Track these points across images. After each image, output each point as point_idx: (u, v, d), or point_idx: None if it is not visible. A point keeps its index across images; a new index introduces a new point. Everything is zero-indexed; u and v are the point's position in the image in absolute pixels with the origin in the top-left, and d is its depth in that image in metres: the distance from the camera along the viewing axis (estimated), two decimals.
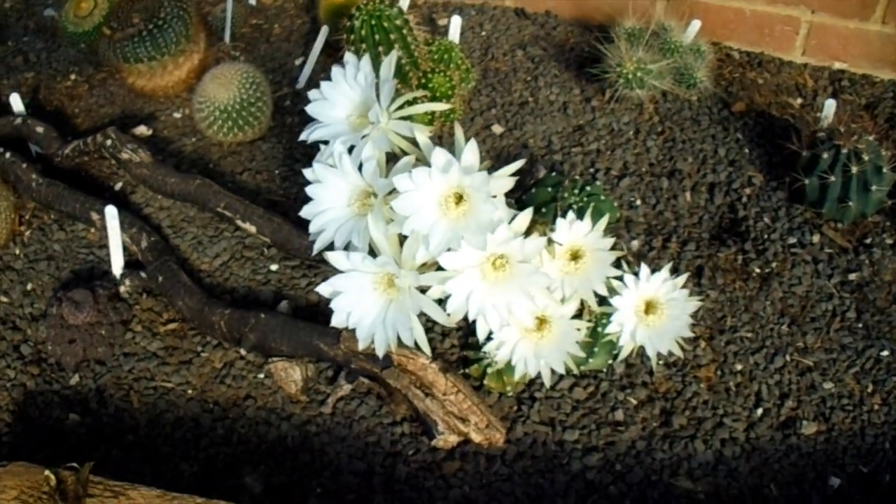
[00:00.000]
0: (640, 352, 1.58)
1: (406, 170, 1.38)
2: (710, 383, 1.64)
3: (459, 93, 2.03)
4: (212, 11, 2.43)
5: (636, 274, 1.49)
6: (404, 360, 1.53)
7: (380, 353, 1.43)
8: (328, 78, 1.57)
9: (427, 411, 1.54)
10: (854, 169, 1.81)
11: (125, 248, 1.81)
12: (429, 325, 1.61)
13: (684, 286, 1.52)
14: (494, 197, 1.37)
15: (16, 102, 2.11)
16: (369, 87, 1.53)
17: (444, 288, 1.39)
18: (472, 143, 1.38)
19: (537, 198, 1.65)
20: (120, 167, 1.99)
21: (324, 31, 2.22)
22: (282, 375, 1.63)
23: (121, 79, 2.24)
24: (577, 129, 2.09)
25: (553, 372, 1.50)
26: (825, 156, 1.83)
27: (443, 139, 2.03)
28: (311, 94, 1.59)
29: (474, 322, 1.42)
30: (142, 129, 2.13)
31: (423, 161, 1.42)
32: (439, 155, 1.36)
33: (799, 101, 2.20)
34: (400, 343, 1.42)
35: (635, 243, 1.84)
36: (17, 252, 1.89)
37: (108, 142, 1.93)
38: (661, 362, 1.65)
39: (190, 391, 1.65)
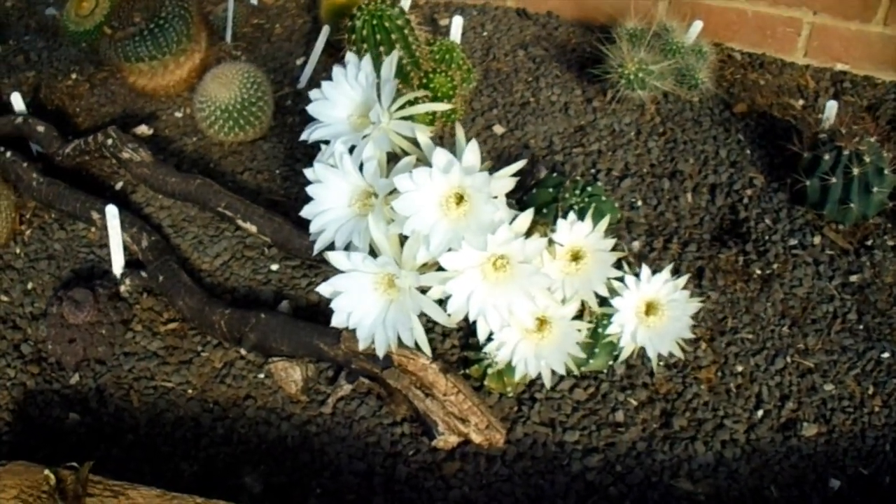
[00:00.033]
0: (641, 353, 1.58)
1: (407, 170, 1.38)
2: (710, 385, 1.64)
3: (461, 93, 2.03)
4: (213, 11, 2.43)
5: (637, 275, 1.49)
6: (405, 360, 1.53)
7: (380, 353, 1.43)
8: (329, 78, 1.57)
9: (427, 412, 1.53)
10: (855, 170, 1.81)
11: (126, 248, 1.81)
12: (429, 325, 1.61)
13: (685, 287, 1.51)
14: (495, 197, 1.37)
15: (17, 101, 2.11)
16: (370, 86, 1.53)
17: (445, 288, 1.39)
18: (474, 144, 1.38)
19: (538, 198, 1.65)
20: (121, 166, 1.99)
21: (325, 30, 2.22)
22: (282, 375, 1.63)
23: (122, 78, 2.24)
24: (579, 129, 2.09)
25: (553, 373, 1.50)
26: (826, 157, 1.83)
27: (444, 139, 2.03)
28: (312, 93, 1.58)
29: (475, 323, 1.42)
30: (143, 129, 2.13)
31: (424, 161, 1.42)
32: (440, 155, 1.36)
33: (800, 102, 2.20)
34: (400, 343, 1.42)
35: (636, 244, 1.84)
36: (18, 251, 1.89)
37: (109, 141, 1.93)
38: (661, 363, 1.65)
39: (190, 391, 1.65)
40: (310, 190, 1.50)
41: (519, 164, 1.41)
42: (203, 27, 2.26)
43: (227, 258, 1.83)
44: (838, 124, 1.91)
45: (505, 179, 1.39)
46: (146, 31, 2.08)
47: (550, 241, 1.45)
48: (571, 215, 1.47)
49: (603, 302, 1.50)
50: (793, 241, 1.85)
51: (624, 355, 1.56)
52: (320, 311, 1.71)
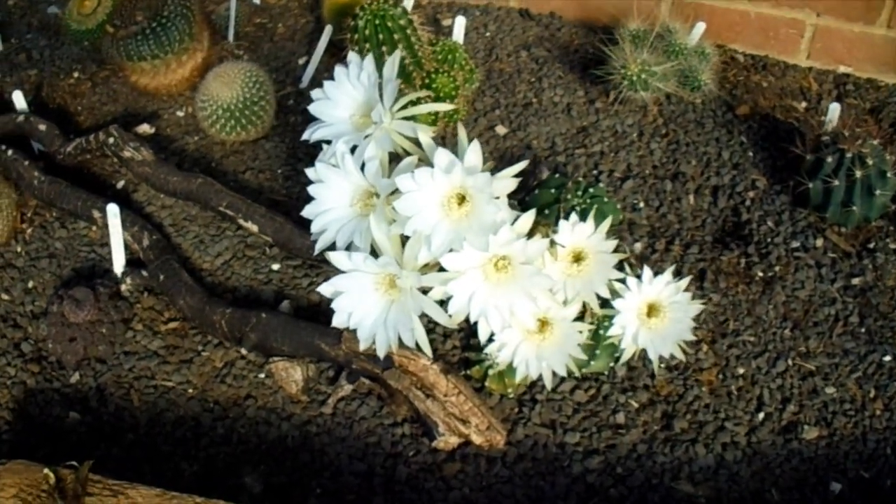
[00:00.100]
0: (642, 355, 1.58)
1: (409, 170, 1.38)
2: (711, 387, 1.64)
3: (463, 93, 2.03)
4: (215, 10, 2.43)
5: (639, 277, 1.49)
6: (405, 360, 1.53)
7: (381, 353, 1.43)
8: (331, 77, 1.57)
9: (428, 412, 1.53)
10: (858, 173, 1.81)
11: (127, 247, 1.81)
12: (430, 326, 1.61)
13: (687, 289, 1.51)
14: (497, 198, 1.37)
15: (18, 100, 2.10)
16: (372, 86, 1.52)
17: (446, 289, 1.38)
18: (476, 144, 1.38)
19: (540, 199, 1.64)
20: (122, 165, 1.99)
21: (327, 30, 2.22)
22: (282, 375, 1.62)
23: (124, 77, 2.24)
24: (581, 130, 2.09)
25: (554, 374, 1.50)
26: (829, 160, 1.83)
27: (446, 140, 2.03)
28: (314, 93, 1.58)
29: (476, 323, 1.42)
30: (144, 128, 2.13)
31: (425, 161, 1.42)
32: (442, 155, 1.36)
33: (803, 104, 2.19)
34: (401, 344, 1.42)
35: (638, 246, 1.83)
36: (19, 250, 1.89)
37: (111, 140, 1.93)
38: (662, 365, 1.65)
39: (190, 390, 1.65)
40: (311, 190, 1.50)
41: (521, 165, 1.41)
42: (205, 26, 2.25)
43: (228, 257, 1.83)
44: (841, 127, 1.90)
45: (507, 180, 1.39)
46: (148, 30, 2.08)
47: (552, 243, 1.44)
48: (573, 216, 1.47)
49: (604, 303, 1.49)
50: (795, 244, 1.84)
51: (625, 357, 1.56)
52: (321, 311, 1.71)
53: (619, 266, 1.48)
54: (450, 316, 1.39)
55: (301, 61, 2.31)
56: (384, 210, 1.41)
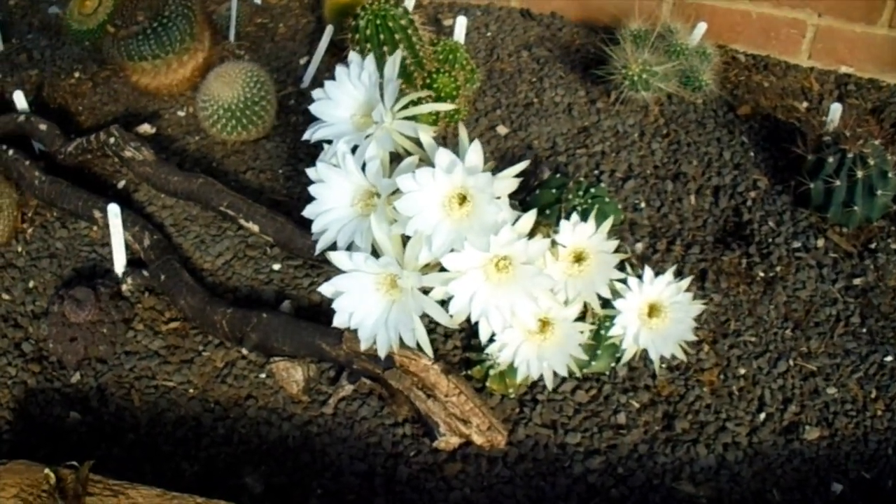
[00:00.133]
0: (643, 355, 1.57)
1: (410, 170, 1.38)
2: (712, 387, 1.64)
3: (464, 93, 2.03)
4: (217, 10, 2.43)
5: (640, 277, 1.49)
6: (406, 361, 1.53)
7: (382, 353, 1.43)
8: (332, 77, 1.57)
9: (429, 413, 1.53)
10: (859, 173, 1.81)
11: (127, 247, 1.81)
12: (431, 326, 1.61)
13: (688, 289, 1.51)
14: (498, 198, 1.37)
15: (19, 100, 2.10)
16: (373, 86, 1.52)
17: (447, 289, 1.38)
18: (477, 144, 1.38)
19: (541, 199, 1.64)
20: (123, 165, 1.99)
21: (329, 30, 2.22)
22: (283, 375, 1.62)
23: (125, 77, 2.24)
24: (582, 130, 2.09)
25: (555, 374, 1.49)
26: (831, 160, 1.83)
27: (447, 140, 2.03)
28: (315, 93, 1.58)
29: (477, 324, 1.42)
30: (145, 128, 2.13)
31: (426, 161, 1.42)
32: (443, 155, 1.35)
33: (805, 104, 2.19)
34: (402, 344, 1.41)
35: (639, 246, 1.83)
36: (20, 249, 1.89)
37: (112, 140, 1.93)
38: (663, 366, 1.65)
39: (191, 390, 1.65)
40: (312, 189, 1.50)
41: (522, 165, 1.40)
42: (206, 26, 2.25)
43: (229, 257, 1.83)
44: (842, 127, 1.90)
45: (508, 180, 1.39)
46: (149, 30, 2.08)
47: (553, 243, 1.44)
48: (574, 216, 1.46)
49: (605, 304, 1.49)
50: (796, 244, 1.84)
51: (626, 357, 1.56)
52: (322, 312, 1.71)
53: (621, 266, 1.48)
54: (451, 316, 1.39)
55: (302, 61, 2.31)
56: (385, 210, 1.41)
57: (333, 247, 1.48)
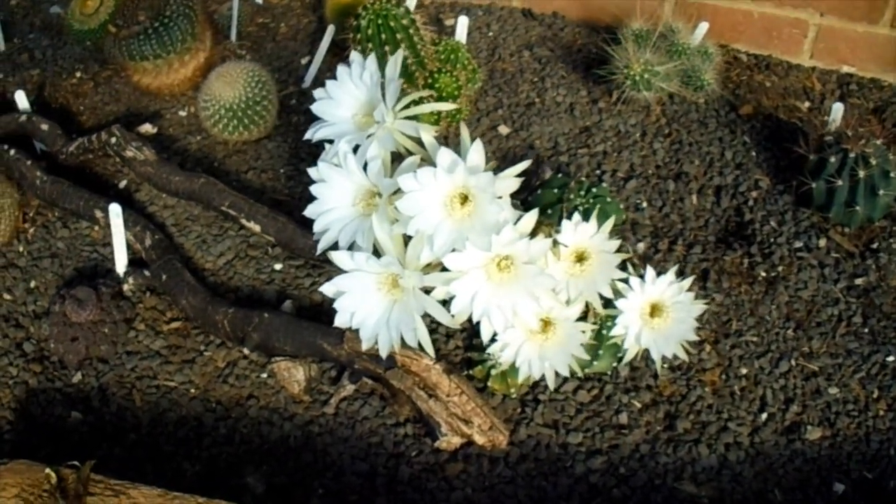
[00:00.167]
0: (645, 355, 1.57)
1: (411, 170, 1.38)
2: (714, 387, 1.64)
3: (466, 93, 2.03)
4: (218, 10, 2.43)
5: (641, 276, 1.49)
6: (408, 360, 1.53)
7: (383, 353, 1.42)
8: (334, 77, 1.57)
9: (430, 412, 1.53)
10: (861, 173, 1.81)
11: (129, 247, 1.81)
12: (433, 325, 1.60)
13: (690, 289, 1.51)
14: (500, 198, 1.36)
15: (21, 100, 2.11)
16: (375, 86, 1.52)
17: (449, 289, 1.38)
18: (478, 144, 1.38)
19: (543, 199, 1.64)
20: (124, 165, 1.99)
21: (330, 30, 2.22)
22: (285, 375, 1.62)
23: (126, 77, 2.24)
24: (584, 130, 2.08)
25: (557, 374, 1.49)
26: (832, 160, 1.83)
27: (449, 139, 2.02)
28: (317, 93, 1.58)
29: (478, 323, 1.42)
30: (147, 127, 2.13)
31: (428, 161, 1.42)
32: (445, 155, 1.35)
33: (807, 104, 2.19)
34: (404, 344, 1.41)
35: (641, 246, 1.83)
36: (21, 249, 1.89)
37: (113, 139, 1.93)
38: (665, 366, 1.65)
39: (193, 390, 1.64)
40: (313, 189, 1.50)
41: (524, 165, 1.40)
42: (208, 26, 2.25)
43: (230, 257, 1.83)
44: (844, 127, 1.90)
45: (510, 180, 1.39)
46: (151, 30, 2.08)
47: (555, 242, 1.44)
48: (576, 216, 1.46)
49: (607, 303, 1.49)
50: (798, 244, 1.84)
51: (628, 357, 1.56)
52: (324, 311, 1.71)
53: (622, 266, 1.47)
54: (452, 316, 1.39)
55: (304, 61, 2.31)
56: (386, 210, 1.41)
57: (335, 246, 1.47)
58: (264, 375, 1.65)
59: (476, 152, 1.37)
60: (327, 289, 1.44)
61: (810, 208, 1.89)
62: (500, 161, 2.00)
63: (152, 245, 1.80)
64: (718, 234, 1.88)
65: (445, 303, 1.39)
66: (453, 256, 1.36)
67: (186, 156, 2.06)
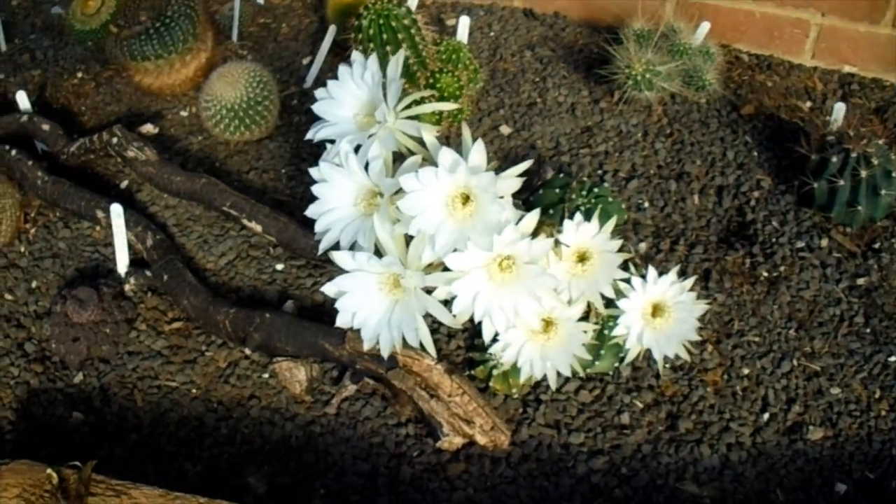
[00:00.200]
0: (647, 355, 1.57)
1: (412, 169, 1.37)
2: (716, 387, 1.64)
3: (467, 93, 2.03)
4: (219, 10, 2.43)
5: (643, 276, 1.49)
6: (409, 360, 1.53)
7: (385, 353, 1.42)
8: (335, 77, 1.57)
9: (432, 413, 1.53)
10: (863, 173, 1.81)
11: (130, 247, 1.81)
12: (434, 326, 1.60)
13: (691, 289, 1.51)
14: (501, 198, 1.36)
15: (22, 100, 2.11)
16: (376, 86, 1.52)
17: (450, 289, 1.38)
18: (480, 144, 1.37)
19: (545, 199, 1.64)
20: (126, 165, 1.99)
21: (331, 30, 2.22)
22: (286, 375, 1.62)
23: (127, 77, 2.24)
24: (586, 130, 2.08)
25: (559, 374, 1.49)
26: (834, 160, 1.83)
27: (450, 139, 2.02)
28: (318, 93, 1.58)
29: (480, 323, 1.42)
30: (148, 128, 2.13)
31: (429, 161, 1.42)
32: (446, 155, 1.35)
33: (808, 104, 2.19)
34: (405, 344, 1.41)
35: (643, 246, 1.83)
36: (22, 249, 1.89)
37: (115, 140, 1.93)
38: (667, 366, 1.65)
39: (194, 390, 1.64)
40: (315, 189, 1.50)
41: (525, 165, 1.40)
42: (209, 26, 2.25)
43: (232, 257, 1.83)
44: (846, 126, 1.90)
45: (511, 179, 1.39)
46: (152, 30, 2.08)
47: (557, 242, 1.44)
48: (578, 216, 1.46)
49: (609, 303, 1.49)
50: (800, 244, 1.84)
51: (630, 357, 1.56)
52: (325, 311, 1.71)
53: (624, 266, 1.47)
54: (454, 316, 1.39)
55: (305, 61, 2.31)
56: (388, 209, 1.41)
57: (336, 246, 1.47)
58: (266, 376, 1.65)
59: (478, 152, 1.37)
60: (329, 289, 1.44)
61: (812, 208, 1.89)
62: (501, 161, 2.00)
63: (154, 245, 1.80)
64: (720, 234, 1.88)
65: (447, 303, 1.39)
66: (455, 256, 1.36)
67: (188, 156, 2.06)
